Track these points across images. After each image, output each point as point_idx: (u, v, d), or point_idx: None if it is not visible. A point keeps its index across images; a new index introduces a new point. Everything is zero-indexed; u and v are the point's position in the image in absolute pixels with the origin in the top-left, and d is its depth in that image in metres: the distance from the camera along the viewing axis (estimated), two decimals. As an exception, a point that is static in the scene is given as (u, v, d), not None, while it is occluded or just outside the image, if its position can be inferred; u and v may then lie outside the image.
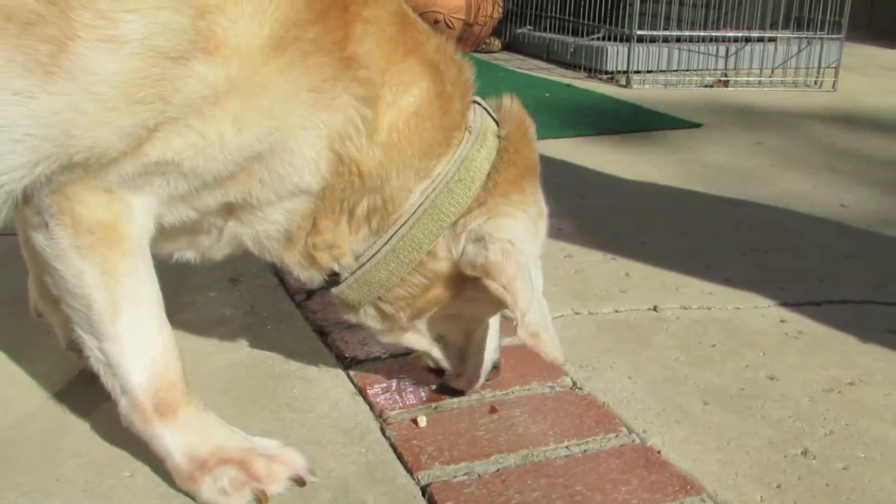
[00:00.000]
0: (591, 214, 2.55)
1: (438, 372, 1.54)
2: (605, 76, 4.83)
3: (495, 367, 1.51)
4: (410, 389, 1.56)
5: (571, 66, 5.09)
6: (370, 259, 1.32)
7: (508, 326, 1.78)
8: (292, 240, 1.31)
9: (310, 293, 1.96)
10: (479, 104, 1.37)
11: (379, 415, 1.48)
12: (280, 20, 1.10)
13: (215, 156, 1.13)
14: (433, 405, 1.51)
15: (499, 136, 1.34)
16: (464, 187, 1.29)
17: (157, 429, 1.26)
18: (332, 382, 1.59)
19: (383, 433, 1.43)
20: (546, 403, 1.53)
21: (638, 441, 1.43)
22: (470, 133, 1.31)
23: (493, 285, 1.25)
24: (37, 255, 1.22)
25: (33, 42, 1.02)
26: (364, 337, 1.75)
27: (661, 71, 4.76)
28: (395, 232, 1.30)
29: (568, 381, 1.61)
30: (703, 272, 2.14)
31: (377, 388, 1.56)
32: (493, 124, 1.35)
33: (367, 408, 1.51)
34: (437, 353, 1.47)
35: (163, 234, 1.28)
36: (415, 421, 1.45)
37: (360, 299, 1.37)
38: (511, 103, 1.38)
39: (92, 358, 1.25)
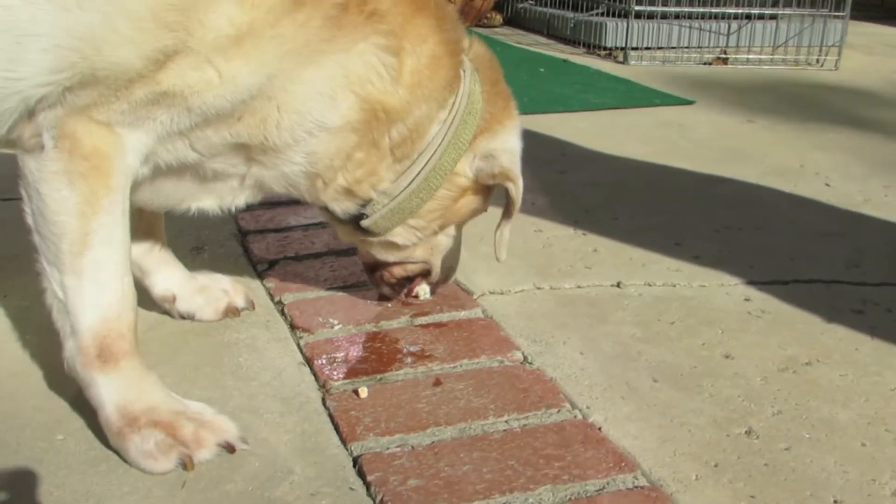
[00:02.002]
0: (567, 189, 2.52)
1: (399, 286, 1.69)
2: (603, 52, 4.77)
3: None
4: (358, 360, 1.54)
5: (571, 41, 5.03)
6: (404, 189, 1.46)
7: (465, 300, 1.76)
8: (325, 179, 1.40)
9: (271, 263, 1.94)
10: None
11: (322, 385, 1.47)
12: None
13: (223, 94, 1.18)
14: (378, 377, 1.50)
15: (477, 72, 1.51)
16: (472, 118, 1.47)
17: (97, 375, 1.26)
18: (279, 352, 1.57)
19: (324, 403, 1.42)
20: (493, 377, 1.50)
21: (580, 416, 1.40)
22: (465, 71, 1.46)
23: (512, 188, 1.51)
24: (21, 179, 1.24)
25: None
26: (319, 308, 1.73)
27: (659, 48, 4.69)
28: (427, 162, 1.45)
29: (518, 356, 1.58)
30: (673, 249, 2.11)
31: (324, 358, 1.55)
32: (471, 64, 1.52)
33: (312, 378, 1.50)
34: (436, 260, 1.65)
35: (166, 176, 1.32)
36: (356, 392, 1.44)
37: (389, 226, 1.52)
38: (476, 46, 1.54)
39: (48, 293, 1.27)
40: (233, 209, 1.45)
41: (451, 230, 1.63)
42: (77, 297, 1.24)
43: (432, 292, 1.77)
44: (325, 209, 1.50)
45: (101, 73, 1.13)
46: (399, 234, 1.55)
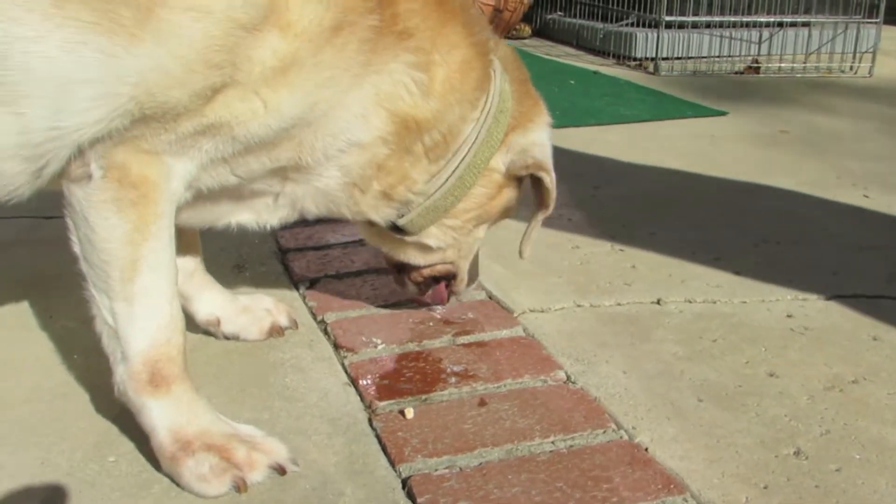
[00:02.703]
0: (603, 204, 2.52)
1: (424, 286, 1.72)
2: (633, 63, 4.76)
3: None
4: (402, 380, 1.55)
5: (601, 52, 5.02)
6: (440, 188, 1.49)
7: (506, 318, 1.77)
8: (361, 189, 1.43)
9: (313, 282, 1.96)
10: None
11: (368, 406, 1.48)
12: (340, 5, 1.21)
13: (268, 123, 1.21)
14: (423, 397, 1.50)
15: (505, 73, 1.54)
16: (504, 116, 1.49)
17: (148, 400, 1.28)
18: (325, 372, 1.59)
19: (370, 424, 1.43)
20: (537, 397, 1.51)
21: (625, 437, 1.40)
22: (495, 71, 1.49)
23: (546, 178, 1.53)
24: (67, 208, 1.27)
25: (115, 6, 1.08)
26: (362, 327, 1.74)
27: (690, 57, 4.68)
28: (461, 161, 1.48)
29: (561, 375, 1.59)
30: (712, 264, 2.10)
31: (369, 378, 1.56)
32: (500, 65, 1.54)
33: (358, 398, 1.51)
34: (462, 263, 1.67)
35: (205, 198, 1.35)
36: (402, 413, 1.44)
37: (424, 224, 1.54)
38: (503, 49, 1.56)
39: (98, 319, 1.29)
40: (268, 227, 1.47)
41: (480, 232, 1.65)
42: (127, 323, 1.26)
43: (451, 295, 1.77)
44: (367, 220, 1.53)
45: (150, 111, 1.15)
46: (434, 235, 1.57)
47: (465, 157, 1.47)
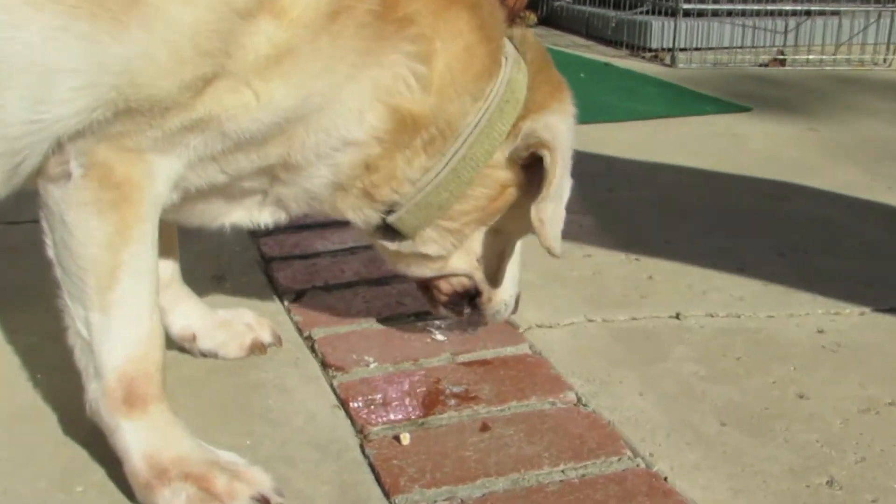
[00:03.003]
0: (617, 209, 2.52)
1: (454, 304, 1.68)
2: (648, 54, 4.78)
3: (517, 302, 1.72)
4: (397, 402, 1.55)
5: (612, 42, 5.04)
6: (431, 182, 1.45)
7: (510, 334, 1.77)
8: (345, 188, 1.42)
9: (298, 293, 1.96)
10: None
11: (360, 430, 1.48)
12: None
13: (259, 117, 1.22)
14: (420, 421, 1.50)
15: (525, 61, 1.52)
16: (511, 107, 1.46)
17: (123, 421, 1.28)
18: (311, 393, 1.59)
19: (362, 451, 1.43)
20: (545, 421, 1.51)
21: (643, 465, 1.40)
22: (506, 59, 1.48)
23: (548, 156, 1.46)
24: (43, 209, 1.26)
25: None
26: (353, 344, 1.74)
27: (710, 48, 4.70)
28: (455, 153, 1.45)
29: (572, 397, 1.58)
30: (736, 275, 2.11)
31: (360, 400, 1.56)
32: (516, 52, 1.53)
33: (348, 422, 1.51)
34: (479, 275, 1.63)
35: (196, 198, 1.36)
36: (398, 438, 1.44)
37: (418, 224, 1.50)
38: (523, 33, 1.56)
39: (71, 330, 1.29)
40: (262, 224, 1.48)
41: (511, 246, 1.64)
42: (103, 336, 1.26)
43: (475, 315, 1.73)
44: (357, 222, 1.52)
45: (136, 104, 1.15)
46: (431, 241, 1.54)
47: (459, 148, 1.45)
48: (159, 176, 1.24)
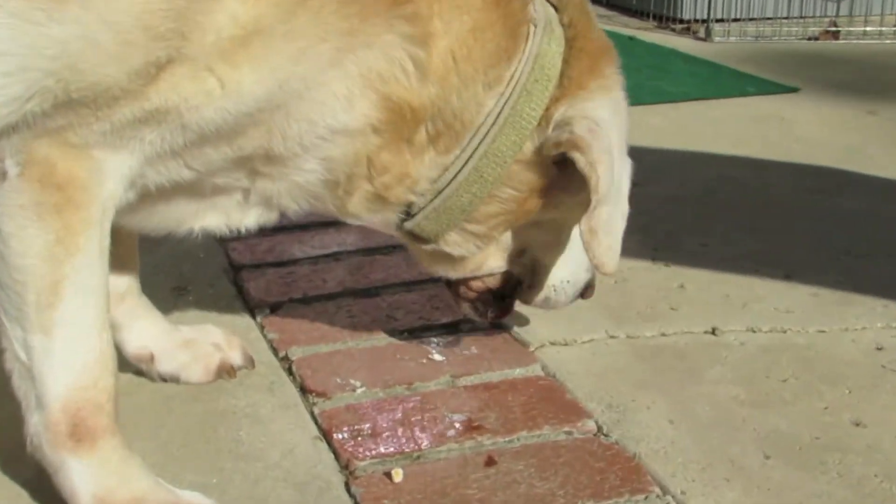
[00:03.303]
0: (643, 207, 2.49)
1: (483, 304, 1.70)
2: (679, 26, 4.80)
3: (588, 286, 1.73)
4: (388, 433, 1.56)
5: (637, 13, 5.07)
6: (450, 183, 1.47)
7: (520, 353, 1.78)
8: (348, 187, 1.44)
9: (273, 307, 1.97)
10: None
11: (345, 466, 1.49)
12: None
13: (226, 107, 1.22)
14: (415, 455, 1.51)
15: (562, 25, 1.49)
16: (541, 87, 1.45)
17: (69, 458, 1.28)
18: (289, 423, 1.60)
19: (347, 489, 1.44)
20: (559, 454, 1.52)
21: (673, 504, 1.42)
22: (535, 26, 1.45)
23: (580, 160, 1.42)
24: None
25: None
26: (337, 365, 1.75)
27: (751, 19, 4.71)
28: (476, 149, 1.45)
29: (591, 426, 1.60)
30: (781, 283, 2.12)
31: (345, 431, 1.57)
32: (553, 12, 1.50)
33: (331, 456, 1.52)
34: (518, 269, 1.65)
35: (155, 198, 1.36)
36: (389, 475, 1.45)
37: (439, 229, 1.53)
38: None
39: (8, 354, 1.29)
40: (243, 229, 1.49)
41: (566, 234, 1.63)
42: (45, 360, 1.26)
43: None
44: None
45: (78, 94, 1.15)
46: (454, 243, 1.55)
47: (480, 143, 1.45)
48: (109, 175, 1.24)
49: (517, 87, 1.44)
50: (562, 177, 1.50)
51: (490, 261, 1.62)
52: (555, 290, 1.69)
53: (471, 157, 1.45)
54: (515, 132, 1.45)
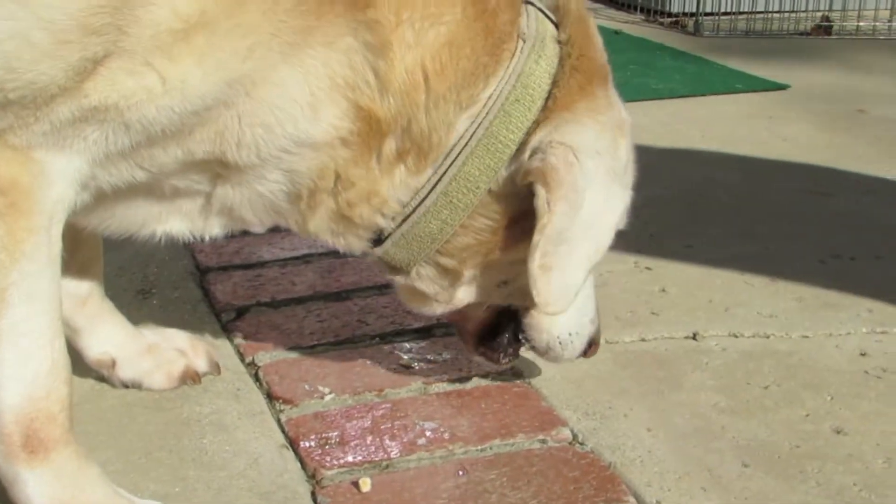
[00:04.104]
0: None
1: (492, 340, 1.66)
2: (667, 20, 4.83)
3: (593, 343, 1.64)
4: (356, 441, 1.58)
5: (625, 6, 5.09)
6: (417, 208, 1.43)
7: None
8: (310, 203, 1.41)
9: (240, 311, 1.98)
10: (533, 4, 1.46)
11: (311, 475, 1.50)
12: None
13: (169, 104, 1.20)
14: (384, 464, 1.53)
15: (559, 42, 1.45)
16: (522, 108, 1.40)
17: (22, 470, 1.29)
18: (254, 431, 1.61)
19: (314, 499, 1.45)
20: (533, 463, 1.53)
21: (648, 514, 1.44)
22: (524, 42, 1.41)
23: (541, 194, 1.38)
24: None
25: None
26: (305, 371, 1.77)
27: (740, 13, 4.74)
28: (445, 171, 1.41)
29: (566, 434, 1.61)
30: (766, 287, 2.14)
31: (313, 439, 1.58)
32: (551, 28, 1.46)
33: (298, 465, 1.53)
34: (501, 298, 1.59)
35: (113, 199, 1.35)
36: (356, 484, 1.47)
37: (409, 259, 1.49)
38: (567, 1, 1.47)
39: None
40: (207, 236, 1.48)
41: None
42: None
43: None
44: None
45: (15, 94, 1.15)
46: (427, 277, 1.53)
47: (450, 166, 1.41)
48: (57, 177, 1.24)
49: (494, 107, 1.40)
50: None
51: (461, 293, 1.56)
52: (560, 343, 1.60)
53: (440, 180, 1.42)
54: (490, 156, 1.41)
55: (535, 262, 1.40)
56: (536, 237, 1.39)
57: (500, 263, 1.52)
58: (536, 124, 1.42)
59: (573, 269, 1.44)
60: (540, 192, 1.38)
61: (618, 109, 1.50)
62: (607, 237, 1.49)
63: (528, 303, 1.55)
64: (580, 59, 1.44)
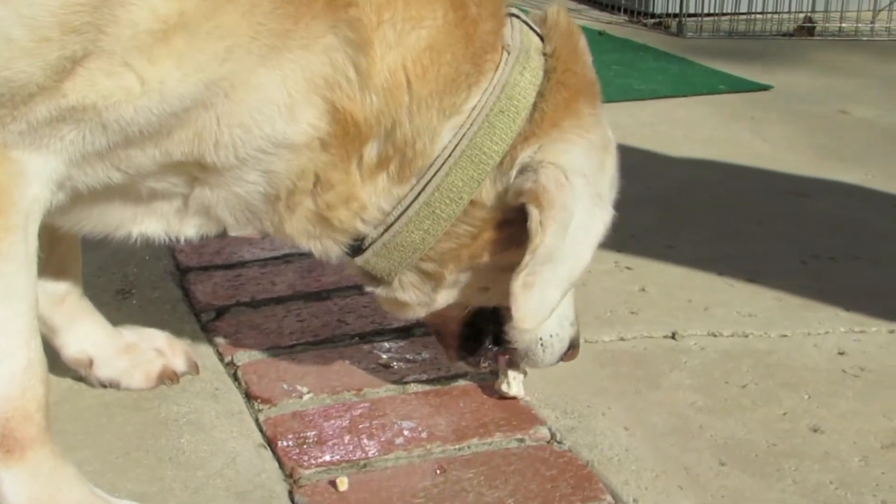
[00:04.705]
0: (606, 208, 2.56)
1: (472, 345, 1.66)
2: (651, 21, 4.84)
3: (572, 347, 1.63)
4: (334, 441, 1.58)
5: (608, 6, 5.11)
6: (399, 217, 1.43)
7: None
8: (289, 203, 1.40)
9: (220, 311, 1.98)
10: (519, 17, 1.47)
11: (289, 474, 1.51)
12: None
13: (147, 105, 1.21)
14: (361, 463, 1.53)
15: (544, 54, 1.46)
16: (507, 119, 1.40)
17: None
18: (233, 430, 1.61)
19: (291, 498, 1.46)
20: (510, 462, 1.54)
21: (625, 513, 1.44)
22: (509, 53, 1.41)
23: (534, 215, 1.38)
24: None
25: None
26: (283, 371, 1.77)
27: (723, 14, 4.76)
28: (428, 182, 1.41)
29: (544, 433, 1.62)
30: (746, 287, 2.15)
31: (290, 438, 1.58)
32: (536, 41, 1.46)
33: (276, 464, 1.53)
34: (482, 301, 1.58)
35: (90, 199, 1.35)
36: (334, 483, 1.47)
37: (390, 268, 1.49)
38: (557, 14, 1.48)
39: None
40: (182, 238, 1.47)
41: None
42: None
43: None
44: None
45: None
46: (409, 284, 1.52)
47: (434, 176, 1.41)
48: (32, 176, 1.24)
49: (478, 118, 1.40)
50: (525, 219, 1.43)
51: (442, 296, 1.55)
52: (542, 345, 1.60)
53: (423, 189, 1.41)
54: (473, 167, 1.41)
55: (519, 281, 1.40)
56: (527, 257, 1.39)
57: (481, 269, 1.52)
58: (522, 137, 1.42)
59: (552, 288, 1.44)
60: (533, 213, 1.38)
61: (604, 128, 1.50)
62: (587, 257, 1.48)
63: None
64: (566, 74, 1.44)
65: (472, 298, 1.59)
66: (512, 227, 1.45)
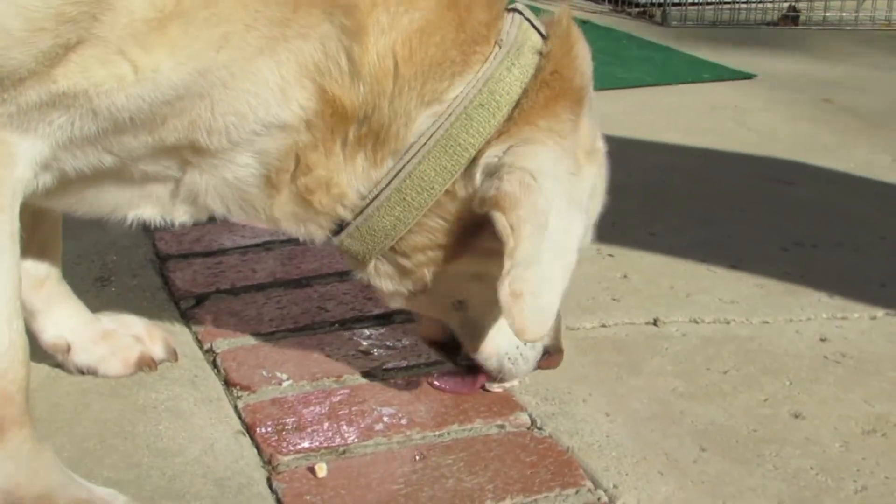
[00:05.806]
0: (589, 195, 2.56)
1: (449, 350, 1.65)
2: (634, 10, 4.84)
3: (548, 353, 1.60)
4: (313, 427, 1.57)
5: (593, -5, 5.11)
6: (372, 202, 1.43)
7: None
8: (274, 186, 1.40)
9: (200, 298, 1.97)
10: (522, 14, 1.44)
11: (267, 461, 1.50)
12: None
13: (140, 94, 1.21)
14: (340, 449, 1.53)
15: (540, 53, 1.43)
16: (485, 114, 1.38)
17: None
18: (211, 417, 1.60)
19: (269, 485, 1.45)
20: (490, 448, 1.54)
21: (605, 498, 1.44)
22: (500, 48, 1.40)
23: (500, 221, 1.34)
24: None
25: None
26: (263, 358, 1.76)
27: (708, 3, 4.76)
28: (402, 169, 1.40)
29: (524, 419, 1.62)
30: (728, 274, 2.16)
31: (269, 425, 1.58)
32: (535, 39, 1.44)
33: (254, 451, 1.53)
34: (455, 322, 1.58)
35: (81, 182, 1.35)
36: (312, 469, 1.47)
37: (364, 251, 1.48)
38: (561, 16, 1.46)
39: None
40: (177, 222, 1.47)
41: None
42: None
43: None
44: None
45: None
46: (384, 273, 1.51)
47: (406, 164, 1.40)
48: (19, 158, 1.24)
49: (457, 109, 1.38)
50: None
51: (420, 301, 1.55)
52: (509, 359, 1.58)
53: (396, 175, 1.40)
54: (447, 158, 1.39)
55: (506, 290, 1.35)
56: (507, 264, 1.35)
57: (455, 276, 1.50)
58: (498, 134, 1.39)
59: (547, 292, 1.40)
60: (498, 217, 1.35)
61: (586, 136, 1.47)
62: (571, 259, 1.44)
63: (474, 343, 1.57)
64: (552, 75, 1.41)
65: (445, 314, 1.58)
66: (486, 235, 1.41)
